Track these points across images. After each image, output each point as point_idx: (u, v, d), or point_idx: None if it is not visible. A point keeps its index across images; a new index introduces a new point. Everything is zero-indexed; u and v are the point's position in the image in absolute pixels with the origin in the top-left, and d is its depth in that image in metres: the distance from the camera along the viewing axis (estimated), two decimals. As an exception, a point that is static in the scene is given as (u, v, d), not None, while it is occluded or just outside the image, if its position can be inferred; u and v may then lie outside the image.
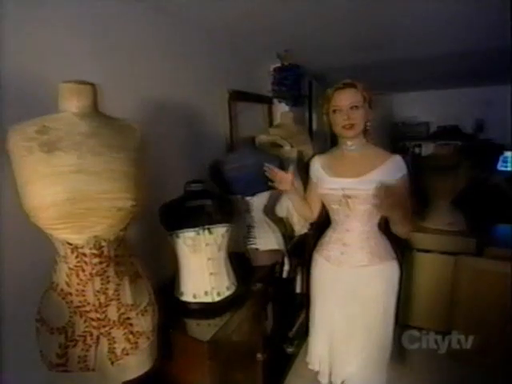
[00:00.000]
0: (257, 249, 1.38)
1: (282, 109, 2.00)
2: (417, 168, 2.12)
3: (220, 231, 1.09)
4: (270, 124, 2.05)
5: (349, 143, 1.13)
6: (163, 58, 1.28)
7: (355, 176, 1.10)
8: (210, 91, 1.56)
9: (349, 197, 1.10)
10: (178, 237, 1.05)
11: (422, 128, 3.64)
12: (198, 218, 1.06)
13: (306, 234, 1.76)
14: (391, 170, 1.07)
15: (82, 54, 0.97)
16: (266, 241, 1.39)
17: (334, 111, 1.09)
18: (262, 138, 1.63)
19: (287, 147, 1.70)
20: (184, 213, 1.07)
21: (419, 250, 1.96)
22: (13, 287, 0.83)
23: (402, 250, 1.85)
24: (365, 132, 1.13)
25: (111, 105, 0.99)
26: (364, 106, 1.07)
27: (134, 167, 0.76)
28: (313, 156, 1.31)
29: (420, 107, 3.72)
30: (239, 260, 1.32)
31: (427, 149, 3.45)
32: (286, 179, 1.17)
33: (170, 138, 1.32)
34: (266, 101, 2.00)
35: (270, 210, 1.58)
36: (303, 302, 1.84)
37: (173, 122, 1.33)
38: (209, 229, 1.06)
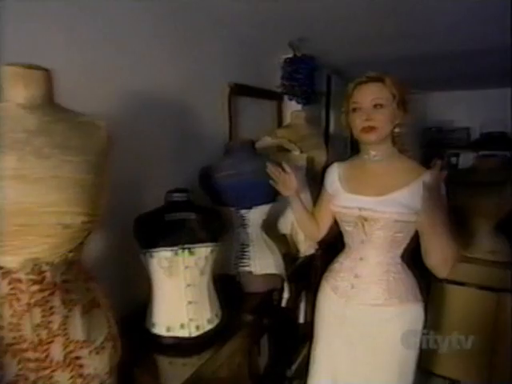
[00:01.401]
0: (250, 272, 1.29)
1: (294, 107, 1.91)
2: (452, 182, 1.98)
3: (203, 252, 1.01)
4: (279, 124, 1.97)
5: (372, 152, 1.03)
6: (153, 44, 1.22)
7: (376, 194, 1.00)
8: (208, 84, 1.50)
9: (365, 219, 1.01)
10: (151, 256, 0.98)
11: (461, 134, 3.45)
12: (177, 235, 0.99)
13: (313, 256, 1.66)
14: None
15: (54, 39, 0.92)
16: (263, 263, 1.31)
17: (354, 110, 1.00)
18: (267, 140, 1.55)
19: (296, 152, 1.62)
20: (161, 228, 1.01)
21: (450, 282, 1.80)
22: None
23: (428, 281, 1.70)
24: (394, 139, 1.03)
25: (84, 98, 0.94)
26: (392, 106, 0.97)
27: (92, 174, 0.69)
28: (331, 163, 1.22)
29: (459, 110, 3.51)
30: (228, 285, 1.24)
31: (466, 159, 3.26)
32: (289, 181, 1.12)
33: (157, 138, 1.27)
34: (276, 97, 1.93)
35: (270, 226, 1.50)
36: (307, 335, 1.73)
37: (161, 119, 1.28)
38: (189, 248, 0.99)
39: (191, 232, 1.01)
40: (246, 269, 1.29)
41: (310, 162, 1.62)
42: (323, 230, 1.21)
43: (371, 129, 0.97)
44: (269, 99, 1.90)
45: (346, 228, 1.09)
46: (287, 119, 1.96)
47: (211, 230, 1.05)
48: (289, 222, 1.58)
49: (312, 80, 1.73)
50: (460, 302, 1.78)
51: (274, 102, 1.94)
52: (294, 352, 1.73)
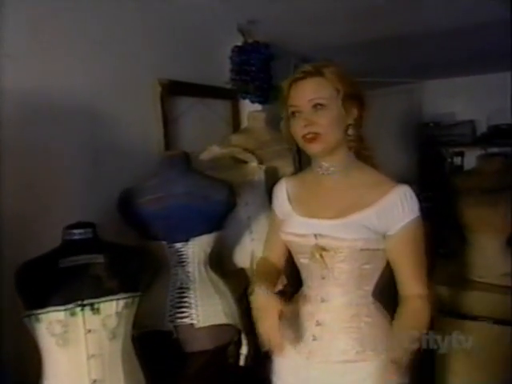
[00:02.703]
0: (192, 325, 1.20)
1: (252, 107, 1.85)
2: (453, 187, 1.94)
3: (113, 307, 0.91)
4: (236, 129, 1.91)
5: (324, 164, 0.98)
6: (53, 38, 1.14)
7: (334, 216, 0.95)
8: (134, 84, 1.42)
9: (324, 249, 0.94)
10: (38, 320, 0.86)
11: (465, 129, 3.44)
12: (74, 287, 0.89)
13: (282, 292, 1.56)
14: (393, 211, 0.92)
15: None
16: (209, 311, 1.21)
17: (293, 114, 0.96)
18: (214, 150, 1.47)
19: (253, 163, 1.55)
20: (53, 278, 0.90)
21: (458, 317, 1.73)
22: None
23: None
24: (351, 145, 0.98)
25: None
26: (336, 104, 0.92)
27: None
28: (278, 180, 1.17)
29: (461, 100, 3.54)
30: (161, 345, 1.15)
31: (472, 159, 3.26)
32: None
33: (61, 155, 1.18)
34: (230, 96, 1.86)
35: (223, 259, 1.41)
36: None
37: (67, 131, 1.19)
38: (92, 305, 0.88)
39: (96, 281, 0.92)
40: (186, 321, 1.20)
41: (272, 174, 1.55)
42: (282, 260, 1.16)
43: (314, 136, 0.91)
44: (221, 98, 1.83)
45: (302, 261, 1.03)
46: (245, 122, 1.89)
47: (126, 276, 0.96)
48: (247, 253, 1.50)
49: (268, 72, 1.66)
50: (473, 342, 1.68)
51: (228, 102, 1.88)
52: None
